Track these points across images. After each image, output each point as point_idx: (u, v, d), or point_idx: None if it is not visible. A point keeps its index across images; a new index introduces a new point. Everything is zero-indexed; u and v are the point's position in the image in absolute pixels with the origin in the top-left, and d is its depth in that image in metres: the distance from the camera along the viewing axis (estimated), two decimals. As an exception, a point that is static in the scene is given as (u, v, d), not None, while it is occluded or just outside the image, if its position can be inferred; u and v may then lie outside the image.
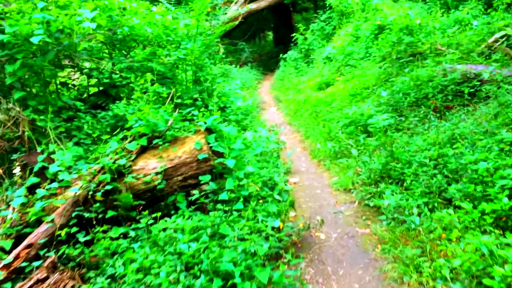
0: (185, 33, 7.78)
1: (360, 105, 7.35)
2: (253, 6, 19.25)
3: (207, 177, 4.11)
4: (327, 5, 14.28)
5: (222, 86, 8.61)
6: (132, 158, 4.10)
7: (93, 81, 7.51)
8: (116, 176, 3.91)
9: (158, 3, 8.93)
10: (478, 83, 6.17)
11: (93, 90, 7.56)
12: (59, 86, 7.34)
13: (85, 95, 7.45)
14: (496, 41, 7.65)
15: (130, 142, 4.21)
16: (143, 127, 4.24)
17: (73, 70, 7.52)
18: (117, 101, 6.94)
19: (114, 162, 3.92)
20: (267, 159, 5.68)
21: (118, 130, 4.64)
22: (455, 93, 6.23)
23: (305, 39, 14.99)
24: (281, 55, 16.42)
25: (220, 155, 4.27)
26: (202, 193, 3.97)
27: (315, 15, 16.24)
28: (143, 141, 4.19)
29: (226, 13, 18.04)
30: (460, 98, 6.14)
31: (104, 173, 3.90)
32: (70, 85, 7.45)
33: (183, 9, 8.81)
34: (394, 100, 6.55)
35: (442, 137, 4.73)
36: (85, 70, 7.17)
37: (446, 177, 4.12)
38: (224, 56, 17.91)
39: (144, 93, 6.50)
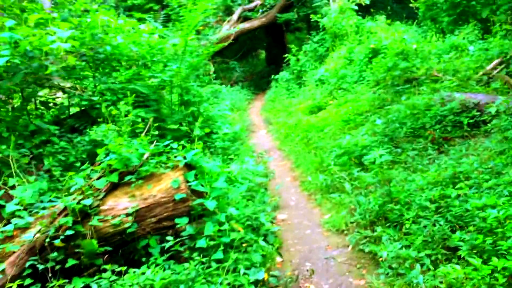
0: (172, 53, 7.40)
1: (354, 133, 7.00)
2: (245, 25, 19.06)
3: (184, 220, 3.67)
4: (321, 27, 14.05)
5: (209, 109, 8.22)
6: (100, 196, 3.64)
7: (77, 99, 7.08)
8: (80, 219, 3.45)
9: (145, 22, 8.57)
10: (478, 113, 5.83)
11: (77, 109, 7.12)
12: (38, 106, 6.93)
13: (66, 115, 7.02)
14: (494, 68, 7.37)
15: (98, 178, 3.76)
16: (114, 161, 3.80)
17: (54, 89, 7.12)
18: (96, 125, 6.52)
19: (78, 203, 3.47)
20: (253, 194, 5.24)
21: (87, 164, 4.18)
22: (454, 123, 5.88)
23: (298, 60, 14.72)
24: (272, 76, 16.12)
25: (200, 194, 3.84)
26: (178, 240, 3.52)
27: (308, 36, 16.01)
28: (114, 178, 3.74)
29: (217, 33, 17.80)
30: (459, 130, 5.79)
31: (66, 215, 3.44)
32: (51, 104, 7.04)
33: (172, 28, 8.43)
34: (390, 129, 6.18)
35: (443, 176, 4.35)
36: (67, 89, 6.75)
37: (449, 222, 3.72)
38: (214, 75, 17.68)
39: (126, 115, 6.10)
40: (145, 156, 3.94)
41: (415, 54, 8.48)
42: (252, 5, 19.59)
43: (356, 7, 13.64)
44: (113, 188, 3.79)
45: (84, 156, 5.90)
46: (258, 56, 32.89)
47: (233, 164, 5.75)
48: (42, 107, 6.95)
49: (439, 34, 10.66)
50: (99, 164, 3.89)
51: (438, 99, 6.34)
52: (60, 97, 7.93)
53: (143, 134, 4.69)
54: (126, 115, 6.38)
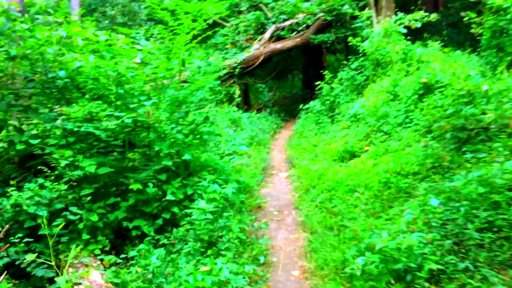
0: (152, 84, 5.53)
1: (395, 212, 4.83)
2: (277, 45, 17.16)
3: None
4: (360, 51, 11.90)
5: (201, 156, 6.25)
6: None
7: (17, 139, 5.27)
8: None
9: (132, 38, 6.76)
10: None
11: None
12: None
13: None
14: None
15: None
16: None
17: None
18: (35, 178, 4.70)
19: None
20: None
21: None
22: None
23: (331, 89, 12.59)
24: (301, 106, 14.03)
25: None
26: None
27: (345, 62, 13.86)
28: None
29: (245, 53, 15.99)
30: None
31: None
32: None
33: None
34: (453, 223, 3.97)
35: None
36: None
37: None
38: (240, 99, 15.78)
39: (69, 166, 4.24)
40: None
41: (484, 97, 6.21)
42: (287, 23, 17.67)
43: (405, 30, 11.43)
44: None
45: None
46: (294, 79, 30.92)
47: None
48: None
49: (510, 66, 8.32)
50: None
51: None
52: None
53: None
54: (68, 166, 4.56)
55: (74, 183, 4.69)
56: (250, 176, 8.10)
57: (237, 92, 15.97)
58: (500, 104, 6.21)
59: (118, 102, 5.12)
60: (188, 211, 4.46)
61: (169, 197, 4.76)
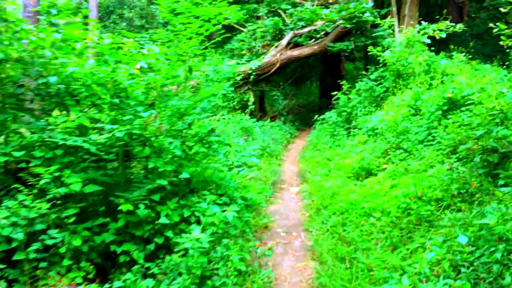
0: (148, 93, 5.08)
1: (414, 251, 4.26)
2: (294, 52, 16.66)
3: None
4: (381, 61, 11.30)
5: (204, 172, 5.78)
6: None
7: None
8: None
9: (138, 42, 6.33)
10: None
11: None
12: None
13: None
14: None
15: None
16: None
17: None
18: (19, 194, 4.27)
19: None
20: None
21: None
22: None
23: (349, 99, 12.02)
24: (315, 117, 13.46)
25: None
26: None
27: (363, 72, 13.26)
28: None
29: (261, 59, 15.53)
30: None
31: None
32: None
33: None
34: (484, 267, 3.40)
35: None
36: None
37: None
38: (254, 106, 15.30)
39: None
40: None
41: (518, 117, 5.61)
42: (305, 30, 17.15)
43: (428, 40, 10.82)
44: None
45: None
46: (313, 85, 30.28)
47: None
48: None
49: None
50: None
51: None
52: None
53: None
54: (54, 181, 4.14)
55: (59, 201, 4.25)
56: (258, 191, 7.60)
57: (252, 99, 15.50)
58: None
59: (112, 113, 4.67)
60: (179, 240, 3.96)
61: (163, 220, 4.27)
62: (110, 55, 5.42)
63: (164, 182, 4.40)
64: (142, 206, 4.22)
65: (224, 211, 4.72)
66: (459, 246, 3.81)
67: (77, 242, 3.97)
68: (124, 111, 4.69)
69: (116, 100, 4.62)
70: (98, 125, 4.38)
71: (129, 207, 4.23)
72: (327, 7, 16.10)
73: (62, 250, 4.00)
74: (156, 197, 4.40)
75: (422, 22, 11.25)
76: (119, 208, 4.25)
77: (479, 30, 18.17)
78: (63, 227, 4.14)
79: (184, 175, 4.62)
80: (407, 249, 4.55)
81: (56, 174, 4.19)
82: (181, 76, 5.96)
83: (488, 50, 15.70)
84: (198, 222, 4.54)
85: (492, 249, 3.47)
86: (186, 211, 4.59)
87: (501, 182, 4.90)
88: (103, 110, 4.72)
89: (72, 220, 4.13)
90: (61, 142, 4.13)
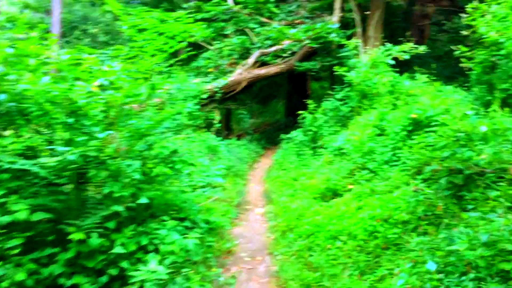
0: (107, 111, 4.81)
1: (383, 277, 4.13)
2: (261, 71, 16.66)
3: None
4: (346, 81, 11.38)
5: (164, 194, 5.50)
6: None
7: None
8: None
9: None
10: None
11: None
12: None
13: None
14: None
15: None
16: None
17: None
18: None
19: None
20: None
21: None
22: None
23: (315, 119, 12.01)
24: (282, 135, 13.40)
25: None
26: None
27: (329, 91, 13.35)
28: None
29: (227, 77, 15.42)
30: None
31: None
32: None
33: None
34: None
35: None
36: None
37: None
38: (220, 125, 15.09)
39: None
40: None
41: (483, 139, 5.65)
42: (272, 49, 17.19)
43: (393, 61, 11.00)
44: None
45: None
46: (279, 103, 30.41)
47: None
48: None
49: (506, 108, 7.82)
50: None
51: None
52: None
53: None
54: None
55: (3, 230, 3.88)
56: (222, 213, 7.35)
57: (217, 117, 15.31)
58: (496, 145, 5.66)
59: (66, 134, 4.37)
60: (133, 273, 3.67)
61: (117, 249, 3.98)
62: (68, 71, 5.14)
63: (120, 208, 4.11)
64: (95, 234, 3.91)
65: (185, 237, 4.46)
66: (428, 272, 3.69)
67: (20, 276, 3.62)
68: (79, 131, 4.39)
69: (70, 120, 4.33)
70: (50, 146, 4.06)
71: (80, 236, 3.91)
72: (294, 27, 16.23)
73: (4, 285, 3.63)
74: (111, 224, 4.10)
75: (386, 43, 11.45)
76: (70, 237, 3.93)
77: (439, 52, 18.73)
78: (6, 259, 3.78)
79: (143, 200, 4.35)
80: (376, 275, 4.41)
81: (1, 200, 3.84)
82: (143, 95, 5.71)
83: (448, 72, 16.13)
84: (156, 250, 4.25)
85: (463, 277, 3.37)
86: (143, 239, 4.30)
87: (470, 206, 4.86)
88: (56, 130, 4.40)
89: (17, 251, 3.78)
90: (7, 166, 3.80)
